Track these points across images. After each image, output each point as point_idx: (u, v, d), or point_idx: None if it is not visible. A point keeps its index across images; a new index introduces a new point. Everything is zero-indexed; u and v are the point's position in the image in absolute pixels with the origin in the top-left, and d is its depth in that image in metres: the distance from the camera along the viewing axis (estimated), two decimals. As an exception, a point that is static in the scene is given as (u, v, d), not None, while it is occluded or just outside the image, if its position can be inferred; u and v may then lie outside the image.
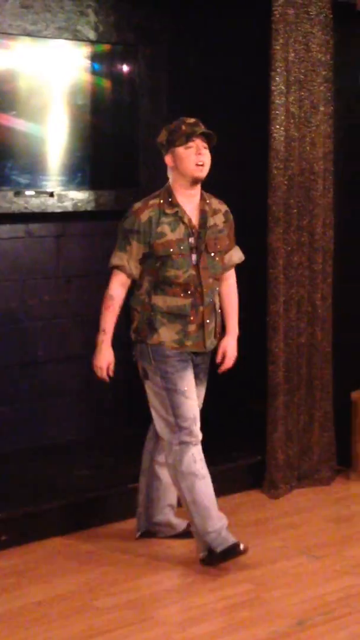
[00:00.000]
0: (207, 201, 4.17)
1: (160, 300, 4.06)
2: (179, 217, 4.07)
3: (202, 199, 4.15)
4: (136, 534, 4.41)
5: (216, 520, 4.06)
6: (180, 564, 4.16)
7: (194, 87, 5.63)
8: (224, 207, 4.25)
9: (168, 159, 4.10)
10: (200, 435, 4.12)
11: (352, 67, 5.51)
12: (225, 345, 4.32)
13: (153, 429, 4.27)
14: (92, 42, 5.42)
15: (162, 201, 4.07)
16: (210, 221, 4.14)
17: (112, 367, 4.12)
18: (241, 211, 4.54)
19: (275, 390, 5.07)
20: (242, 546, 4.03)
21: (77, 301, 5.58)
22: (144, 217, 4.03)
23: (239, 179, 5.47)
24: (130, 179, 5.67)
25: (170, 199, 4.07)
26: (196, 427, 4.10)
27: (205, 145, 4.07)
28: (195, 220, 4.10)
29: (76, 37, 5.32)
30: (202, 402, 4.30)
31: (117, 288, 4.09)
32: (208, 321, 4.13)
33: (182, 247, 4.05)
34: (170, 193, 4.09)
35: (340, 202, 5.28)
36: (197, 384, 4.19)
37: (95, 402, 5.68)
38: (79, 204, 5.43)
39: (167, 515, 4.38)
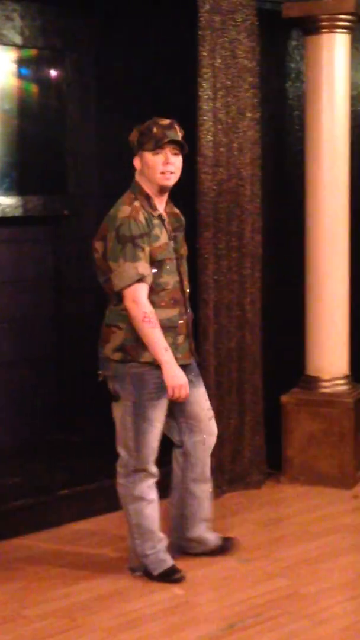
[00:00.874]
0: (172, 205, 4.02)
1: None
2: (162, 220, 3.90)
3: (168, 202, 3.99)
4: (171, 554, 4.09)
5: (156, 542, 3.98)
6: (110, 571, 4.14)
7: (122, 92, 5.62)
8: (177, 211, 4.08)
9: (136, 162, 3.92)
10: (155, 470, 4.00)
11: (278, 74, 5.58)
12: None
13: (178, 442, 4.14)
14: (18, 47, 5.39)
15: (143, 204, 3.85)
16: (178, 225, 4.00)
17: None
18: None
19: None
20: (179, 574, 3.96)
21: (6, 307, 5.53)
22: (142, 219, 3.78)
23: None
24: (58, 185, 5.64)
25: (150, 202, 3.87)
26: (154, 458, 3.95)
27: (177, 151, 3.88)
28: (168, 224, 3.94)
29: (2, 41, 5.28)
30: (207, 402, 4.14)
31: (147, 302, 3.76)
32: (191, 330, 4.01)
33: (169, 251, 3.88)
34: (148, 196, 3.87)
35: (268, 207, 5.33)
36: (192, 390, 3.96)
37: (27, 408, 5.63)
38: (7, 210, 5.38)
39: (201, 530, 4.21)
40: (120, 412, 3.93)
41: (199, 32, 4.89)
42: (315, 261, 5.32)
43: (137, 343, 3.79)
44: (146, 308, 3.74)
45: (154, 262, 3.79)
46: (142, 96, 5.45)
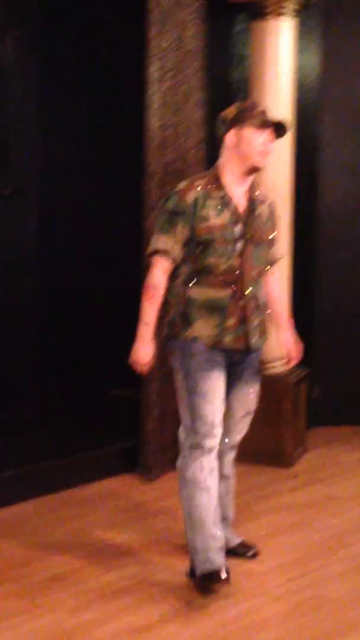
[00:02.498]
0: (256, 189, 3.85)
1: (196, 292, 3.67)
2: (225, 201, 3.69)
3: (252, 186, 3.80)
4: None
5: (208, 538, 3.72)
6: (67, 551, 4.15)
7: (66, 71, 5.58)
8: (269, 198, 3.92)
9: (230, 137, 3.70)
10: (216, 443, 3.77)
11: (222, 57, 5.61)
12: (284, 342, 4.06)
13: None
14: None
15: (209, 183, 3.70)
16: (258, 210, 3.80)
17: (150, 363, 3.77)
18: (117, 197, 4.57)
19: (150, 375, 5.11)
20: (223, 574, 3.68)
21: None
22: (189, 198, 3.65)
23: (114, 165, 5.48)
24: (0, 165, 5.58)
25: (217, 182, 3.72)
26: (214, 434, 3.73)
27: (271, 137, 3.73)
28: (242, 208, 3.73)
29: None
30: (254, 402, 3.99)
31: (160, 276, 3.68)
32: (252, 317, 3.74)
33: (225, 234, 3.66)
34: (218, 175, 3.73)
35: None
36: (240, 384, 3.86)
37: None
38: None
39: (221, 527, 3.91)
40: (177, 387, 3.83)
41: (148, 14, 4.89)
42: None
43: (180, 319, 3.71)
44: (153, 280, 3.69)
45: (199, 242, 3.65)
46: (88, 75, 5.42)
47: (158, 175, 5.02)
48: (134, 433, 5.20)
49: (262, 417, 5.31)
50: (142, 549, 4.17)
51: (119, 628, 3.45)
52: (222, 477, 3.99)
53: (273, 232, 3.89)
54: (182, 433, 3.83)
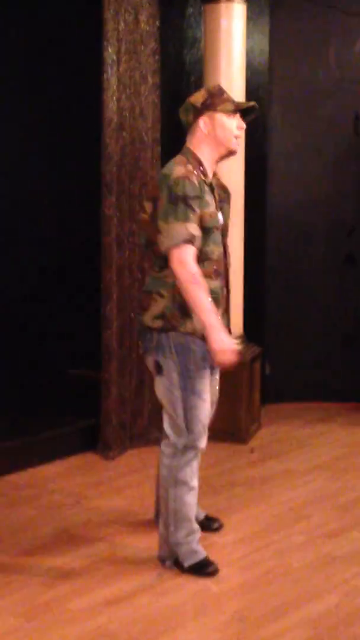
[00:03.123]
0: (217, 176, 3.78)
1: None
2: (212, 187, 3.65)
3: (215, 173, 3.76)
4: (156, 522, 4.05)
5: (191, 531, 3.78)
6: (35, 528, 4.22)
7: (22, 54, 5.59)
8: (224, 183, 3.83)
9: (204, 123, 3.63)
10: (205, 446, 3.76)
11: (175, 40, 5.67)
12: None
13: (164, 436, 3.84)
14: None
15: (196, 169, 3.58)
16: (229, 197, 3.79)
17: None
18: (75, 179, 4.59)
19: (110, 355, 5.19)
20: (212, 567, 3.76)
21: None
22: (196, 181, 3.51)
23: (72, 147, 5.51)
24: None
25: (202, 167, 3.62)
26: (206, 432, 3.73)
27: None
28: (217, 194, 3.70)
29: None
30: (217, 388, 3.98)
31: (195, 264, 3.47)
32: (229, 306, 3.75)
33: (217, 221, 3.63)
34: (200, 161, 3.63)
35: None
36: (213, 374, 3.84)
37: None
38: None
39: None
40: (164, 387, 3.68)
41: (104, -5, 4.94)
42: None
43: (179, 311, 3.55)
44: (193, 269, 3.45)
45: (203, 228, 3.54)
46: (44, 58, 5.43)
47: (115, 157, 5.07)
48: (94, 412, 5.27)
49: (220, 395, 5.46)
50: (108, 525, 4.26)
51: (94, 600, 3.54)
52: None
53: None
54: (172, 432, 3.72)
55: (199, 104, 3.68)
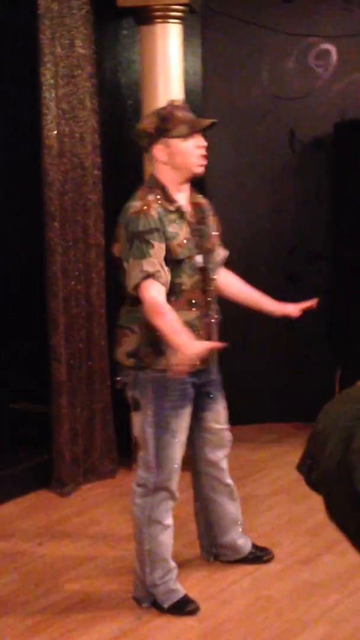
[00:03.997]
0: (195, 194, 3.64)
1: None
2: (181, 213, 3.50)
3: (191, 192, 3.62)
4: (208, 558, 4.04)
5: (167, 571, 3.66)
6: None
7: None
8: (204, 199, 3.70)
9: (159, 151, 3.48)
10: (176, 491, 3.65)
11: (110, 63, 5.58)
12: (279, 307, 3.83)
13: (191, 453, 3.82)
14: None
15: (158, 197, 3.45)
16: (210, 217, 3.65)
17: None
18: (17, 208, 4.46)
19: (59, 387, 5.03)
20: (192, 606, 3.63)
21: None
22: (154, 213, 3.38)
23: (13, 174, 5.36)
24: None
25: (166, 195, 3.47)
26: (176, 478, 3.60)
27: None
28: (191, 216, 3.56)
29: None
30: (225, 418, 3.86)
31: (156, 295, 3.31)
32: (214, 333, 3.65)
33: (190, 249, 3.49)
34: (162, 187, 3.48)
35: (108, 196, 5.32)
36: (209, 402, 3.74)
37: None
38: None
39: (233, 536, 3.99)
40: (139, 423, 3.58)
41: (39, 20, 4.80)
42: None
43: (151, 349, 3.46)
44: (153, 300, 3.31)
45: (172, 261, 3.41)
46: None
47: (57, 183, 4.94)
48: (46, 448, 5.10)
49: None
50: (74, 568, 4.09)
51: (76, 649, 3.39)
52: (225, 485, 3.93)
53: (217, 235, 3.74)
54: (144, 469, 3.62)
55: (150, 130, 3.51)
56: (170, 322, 3.31)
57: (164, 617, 3.62)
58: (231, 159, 6.11)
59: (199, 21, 5.81)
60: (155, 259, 3.34)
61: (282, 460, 5.48)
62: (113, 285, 5.36)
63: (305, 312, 3.85)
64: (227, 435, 3.91)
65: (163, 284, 3.36)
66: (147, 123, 3.55)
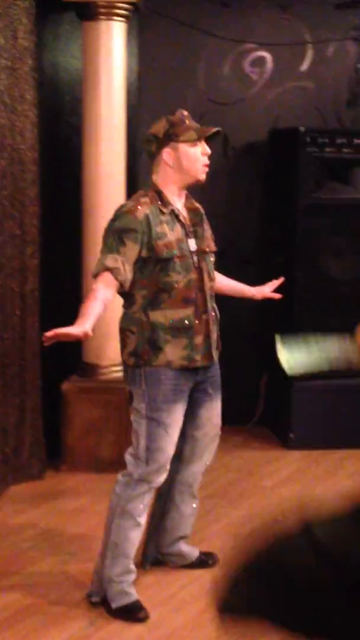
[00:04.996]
0: (192, 200, 3.76)
1: (160, 316, 3.54)
2: (175, 215, 3.61)
3: (187, 197, 3.74)
4: (144, 566, 3.98)
5: (126, 572, 3.63)
6: None
7: None
8: (199, 205, 3.80)
9: (168, 155, 3.59)
10: (160, 483, 3.66)
11: (51, 57, 5.49)
12: (257, 290, 4.08)
13: (177, 450, 3.77)
14: None
15: (153, 200, 3.57)
16: (205, 221, 3.76)
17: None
18: None
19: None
20: (142, 613, 3.60)
21: None
22: (140, 214, 3.50)
23: None
24: None
25: (162, 198, 3.59)
26: (165, 469, 3.62)
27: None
28: (187, 221, 3.67)
29: None
30: (219, 418, 3.88)
31: (102, 288, 3.43)
32: (213, 330, 3.69)
33: (182, 249, 3.58)
34: (159, 191, 3.60)
35: (46, 193, 5.23)
36: (206, 399, 3.77)
37: None
38: None
39: (179, 546, 4.00)
40: (134, 417, 3.64)
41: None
42: (93, 248, 5.29)
43: (149, 346, 3.54)
44: (96, 288, 3.42)
45: (158, 259, 3.52)
46: None
47: (-4, 178, 4.83)
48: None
49: (102, 424, 5.31)
50: (17, 572, 3.99)
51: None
52: (193, 497, 3.94)
53: (212, 238, 3.83)
54: (132, 460, 3.64)
55: (160, 135, 3.62)
56: (87, 306, 3.38)
57: (117, 624, 3.57)
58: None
59: (136, 21, 5.76)
60: (121, 257, 3.47)
61: (212, 463, 5.46)
62: (49, 283, 5.31)
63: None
64: (215, 444, 3.93)
65: (120, 281, 3.47)
66: (158, 128, 3.65)
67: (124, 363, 3.66)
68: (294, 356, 2.69)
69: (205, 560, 4.07)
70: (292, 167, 5.66)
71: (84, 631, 3.50)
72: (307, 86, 6.14)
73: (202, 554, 4.10)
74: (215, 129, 3.67)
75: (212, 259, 3.81)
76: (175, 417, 3.62)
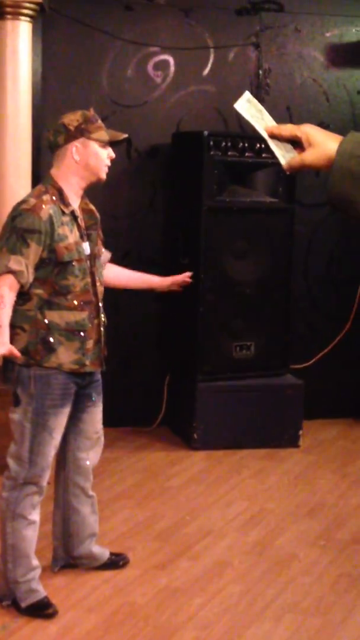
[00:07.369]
0: (87, 201, 3.70)
1: (56, 316, 3.49)
2: (74, 217, 3.56)
3: (83, 198, 3.68)
4: (53, 568, 3.97)
5: (29, 569, 3.63)
6: None
7: None
8: (92, 207, 3.75)
9: (76, 149, 3.54)
10: (45, 484, 3.64)
11: None
12: (162, 280, 4.11)
13: (61, 456, 3.82)
14: None
15: (54, 198, 3.49)
16: (98, 224, 3.72)
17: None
18: None
19: None
20: (51, 609, 3.61)
21: None
22: (44, 214, 3.42)
23: None
24: None
25: (62, 196, 3.53)
26: (47, 475, 3.62)
27: None
28: (82, 222, 3.62)
29: None
30: (101, 424, 3.87)
31: (8, 291, 3.37)
32: (102, 335, 3.68)
33: (79, 252, 3.54)
34: (60, 190, 3.53)
35: None
36: (89, 405, 3.77)
37: None
38: None
39: (89, 546, 3.98)
40: (18, 418, 3.56)
41: None
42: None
43: (42, 346, 3.49)
44: (2, 293, 3.37)
45: (58, 262, 3.47)
46: None
47: None
48: None
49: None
50: None
51: None
52: (88, 496, 3.93)
53: (102, 241, 3.81)
54: (15, 463, 3.60)
55: (72, 127, 3.55)
56: (1, 315, 3.37)
57: (30, 626, 3.55)
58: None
59: (40, 21, 5.73)
60: (24, 260, 3.41)
61: (116, 465, 5.48)
62: None
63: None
64: (101, 441, 3.93)
65: (22, 284, 3.42)
66: (71, 119, 3.58)
67: (10, 361, 3.49)
68: None
69: (115, 561, 4.09)
70: (195, 170, 5.71)
71: (-2, 634, 3.48)
72: (209, 90, 6.22)
73: (113, 555, 4.11)
74: (124, 136, 3.72)
75: (105, 260, 3.85)
76: (60, 421, 3.61)
